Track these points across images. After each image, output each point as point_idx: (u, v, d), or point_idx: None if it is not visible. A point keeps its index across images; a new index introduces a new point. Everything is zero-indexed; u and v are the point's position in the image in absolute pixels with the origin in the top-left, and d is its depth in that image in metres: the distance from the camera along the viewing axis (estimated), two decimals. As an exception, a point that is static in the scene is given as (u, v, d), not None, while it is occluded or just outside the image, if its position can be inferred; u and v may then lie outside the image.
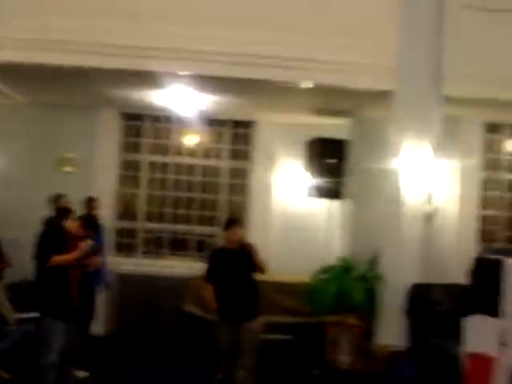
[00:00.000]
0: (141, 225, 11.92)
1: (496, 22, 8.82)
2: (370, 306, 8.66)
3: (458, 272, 8.90)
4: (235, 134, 11.92)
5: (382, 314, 8.66)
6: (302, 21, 8.60)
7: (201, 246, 11.83)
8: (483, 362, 6.11)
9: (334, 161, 10.60)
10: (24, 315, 8.41)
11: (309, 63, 8.51)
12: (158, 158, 11.92)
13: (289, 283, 9.70)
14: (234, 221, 8.04)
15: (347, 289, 8.65)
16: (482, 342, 6.16)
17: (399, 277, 8.48)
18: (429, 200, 8.73)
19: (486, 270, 6.28)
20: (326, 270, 9.03)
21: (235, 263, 7.67)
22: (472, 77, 8.65)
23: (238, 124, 11.89)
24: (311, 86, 8.82)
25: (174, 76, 8.75)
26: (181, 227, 11.89)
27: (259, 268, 7.65)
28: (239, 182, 11.89)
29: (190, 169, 11.92)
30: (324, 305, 8.70)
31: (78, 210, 8.83)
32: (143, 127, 11.90)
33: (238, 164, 11.92)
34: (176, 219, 11.90)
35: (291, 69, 8.53)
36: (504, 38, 8.81)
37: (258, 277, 7.76)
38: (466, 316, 6.39)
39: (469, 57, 8.70)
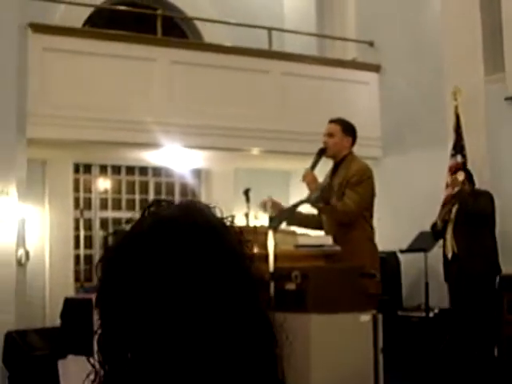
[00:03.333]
0: None
1: (80, 63, 9.05)
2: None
3: (54, 315, 8.92)
4: None
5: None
6: None
7: None
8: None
9: None
10: None
11: None
12: None
13: None
14: None
15: None
16: (77, 383, 6.18)
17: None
18: (20, 244, 8.61)
19: (76, 311, 6.33)
20: None
21: None
22: (57, 118, 8.74)
23: None
24: None
25: None
26: None
27: None
28: None
29: None
30: None
31: None
32: None
33: None
34: None
35: None
36: (88, 80, 9.04)
37: None
38: (60, 358, 6.40)
39: (54, 98, 8.78)
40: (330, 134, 5.83)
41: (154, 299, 1.03)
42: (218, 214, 1.14)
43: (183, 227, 1.08)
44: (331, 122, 5.94)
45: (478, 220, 7.44)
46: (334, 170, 5.89)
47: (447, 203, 7.93)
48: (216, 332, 1.02)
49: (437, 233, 7.93)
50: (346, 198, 5.60)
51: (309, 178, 5.71)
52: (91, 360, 1.12)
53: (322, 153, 5.82)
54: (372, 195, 5.77)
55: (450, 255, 7.61)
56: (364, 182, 5.68)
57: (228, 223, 1.14)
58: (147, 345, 1.04)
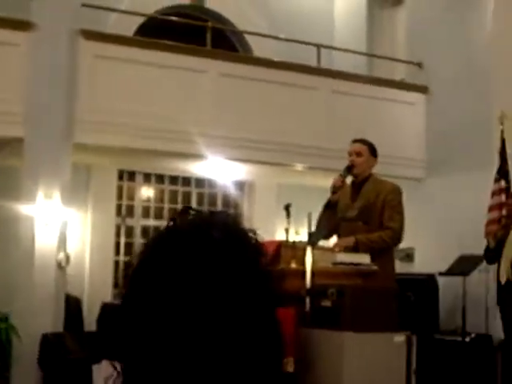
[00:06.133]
0: None
1: (130, 71, 9.14)
2: (4, 359, 8.38)
3: (90, 319, 9.00)
4: None
5: (16, 367, 8.43)
6: None
7: None
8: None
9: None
10: None
11: None
12: None
13: None
14: None
15: (-23, 343, 8.30)
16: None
17: (32, 327, 8.31)
18: (61, 247, 8.70)
19: (113, 316, 6.38)
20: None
21: None
22: (104, 124, 8.84)
23: None
24: None
25: None
26: None
27: None
28: None
29: None
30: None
31: None
32: None
33: None
34: None
35: None
36: (136, 87, 9.14)
37: None
38: (95, 363, 6.45)
39: (102, 105, 8.89)
40: (358, 153, 6.00)
41: (165, 310, 1.08)
42: (247, 229, 1.14)
43: (192, 242, 1.09)
44: (357, 141, 6.13)
45: None
46: (357, 190, 6.02)
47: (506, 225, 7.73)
48: (225, 345, 1.05)
49: (490, 256, 7.74)
50: (389, 222, 5.73)
51: (339, 183, 5.95)
52: (114, 364, 1.15)
53: (349, 170, 6.01)
54: None
55: (503, 280, 7.39)
56: (401, 202, 5.86)
57: (252, 236, 1.13)
58: (157, 351, 1.09)
